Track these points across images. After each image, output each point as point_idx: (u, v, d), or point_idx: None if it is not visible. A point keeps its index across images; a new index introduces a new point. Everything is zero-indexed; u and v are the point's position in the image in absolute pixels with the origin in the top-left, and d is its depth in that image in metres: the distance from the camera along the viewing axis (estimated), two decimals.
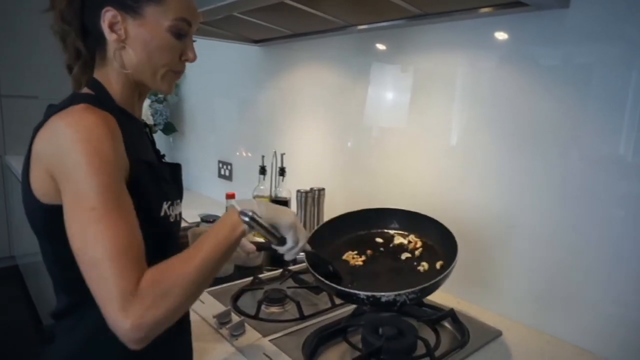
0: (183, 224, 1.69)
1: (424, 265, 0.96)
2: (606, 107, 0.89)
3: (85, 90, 0.71)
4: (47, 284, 1.97)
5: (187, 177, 2.48)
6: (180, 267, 0.62)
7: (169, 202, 0.73)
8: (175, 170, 0.85)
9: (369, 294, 0.79)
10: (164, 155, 0.86)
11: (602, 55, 0.89)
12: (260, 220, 0.70)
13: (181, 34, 0.71)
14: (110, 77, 0.71)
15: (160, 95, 2.34)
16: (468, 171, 1.15)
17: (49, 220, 0.65)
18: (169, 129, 2.40)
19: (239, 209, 0.69)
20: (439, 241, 0.99)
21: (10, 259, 3.48)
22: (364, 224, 1.09)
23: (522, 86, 1.02)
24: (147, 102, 2.28)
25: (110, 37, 0.68)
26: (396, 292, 0.78)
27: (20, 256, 3.31)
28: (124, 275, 0.57)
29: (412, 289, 0.80)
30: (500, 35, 1.05)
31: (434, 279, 0.82)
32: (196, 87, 2.32)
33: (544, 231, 1.00)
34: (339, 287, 0.83)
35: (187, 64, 0.75)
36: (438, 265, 0.95)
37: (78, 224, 0.59)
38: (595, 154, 0.91)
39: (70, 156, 0.58)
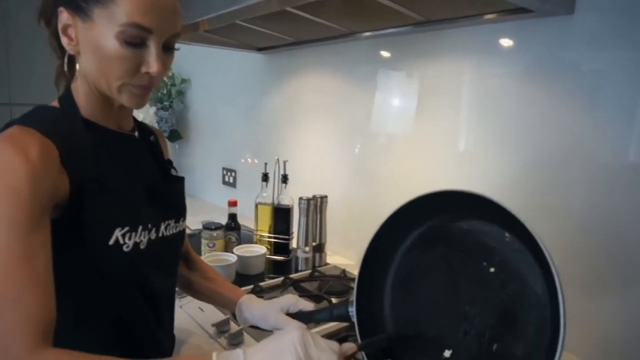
0: (188, 232, 1.69)
1: None
2: (616, 113, 0.87)
3: (54, 103, 0.65)
4: None
5: (192, 184, 2.49)
6: None
7: (126, 229, 0.63)
8: (174, 186, 0.78)
9: None
10: (171, 163, 0.81)
11: (611, 60, 0.87)
12: None
13: (134, 42, 0.59)
14: (78, 86, 0.65)
15: (165, 103, 2.35)
16: (476, 179, 1.13)
17: None
18: (174, 136, 2.41)
19: None
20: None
21: None
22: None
23: (530, 93, 1.00)
24: (152, 110, 2.29)
25: (63, 40, 0.61)
26: None
27: None
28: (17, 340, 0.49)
29: None
30: (506, 42, 1.04)
31: None
32: (201, 93, 2.32)
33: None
34: None
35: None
36: None
37: None
38: (602, 162, 0.89)
39: None
